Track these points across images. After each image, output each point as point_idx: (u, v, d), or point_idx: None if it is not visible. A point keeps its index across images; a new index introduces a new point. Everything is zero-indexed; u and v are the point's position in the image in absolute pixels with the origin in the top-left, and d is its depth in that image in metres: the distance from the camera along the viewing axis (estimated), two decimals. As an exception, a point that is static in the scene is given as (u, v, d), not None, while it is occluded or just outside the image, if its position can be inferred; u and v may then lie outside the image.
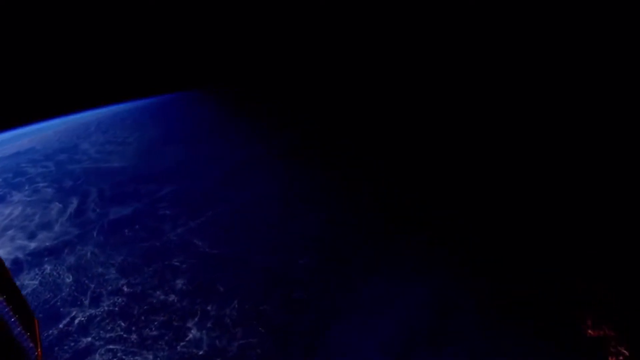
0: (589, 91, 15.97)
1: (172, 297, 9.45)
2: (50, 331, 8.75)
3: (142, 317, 8.95)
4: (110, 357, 8.07)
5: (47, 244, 11.82)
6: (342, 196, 13.15)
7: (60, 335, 8.65)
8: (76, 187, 15.08)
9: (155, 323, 8.80)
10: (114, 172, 15.93)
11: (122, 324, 8.84)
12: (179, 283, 9.86)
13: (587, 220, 9.97)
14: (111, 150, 18.39)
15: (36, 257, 11.18)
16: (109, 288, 9.93)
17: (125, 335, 8.53)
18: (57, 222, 12.88)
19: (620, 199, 10.34)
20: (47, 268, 10.74)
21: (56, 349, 8.42)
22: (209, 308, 9.03)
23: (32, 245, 11.77)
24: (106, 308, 9.33)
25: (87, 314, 9.20)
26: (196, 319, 8.78)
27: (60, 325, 8.93)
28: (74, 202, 13.90)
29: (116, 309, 9.33)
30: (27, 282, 10.29)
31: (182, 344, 8.25)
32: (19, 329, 3.66)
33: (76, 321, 9.01)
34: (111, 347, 8.30)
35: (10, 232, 12.42)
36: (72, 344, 8.43)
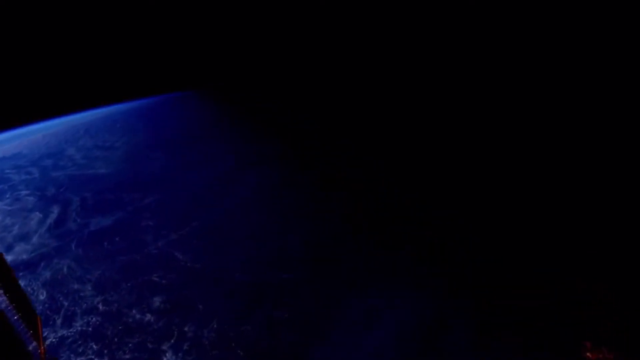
0: (589, 91, 15.68)
1: (148, 317, 8.98)
2: (18, 354, 8.29)
3: (116, 339, 8.49)
4: (79, 384, 7.63)
5: (24, 257, 11.37)
6: (334, 201, 12.71)
7: None
8: (59, 195, 14.61)
9: (130, 345, 8.34)
10: (98, 179, 15.46)
11: (95, 346, 8.38)
12: (157, 301, 9.39)
13: (587, 220, 9.82)
14: (97, 156, 17.92)
15: (11, 272, 10.71)
16: (84, 306, 9.47)
17: None
18: (36, 233, 12.42)
19: (620, 199, 10.19)
20: (21, 284, 10.27)
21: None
22: (186, 329, 8.57)
23: (8, 258, 11.29)
24: (79, 328, 8.87)
25: (59, 334, 8.74)
26: (172, 341, 8.31)
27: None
28: (55, 212, 13.43)
29: (89, 329, 8.87)
30: (-1, 299, 9.83)
31: (156, 368, 7.79)
32: (22, 326, 3.76)
33: (46, 343, 8.54)
34: (81, 372, 7.86)
35: (-14, 245, 11.99)
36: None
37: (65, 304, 9.53)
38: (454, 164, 13.71)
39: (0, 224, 13.03)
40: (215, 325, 8.61)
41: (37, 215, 13.35)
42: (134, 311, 9.15)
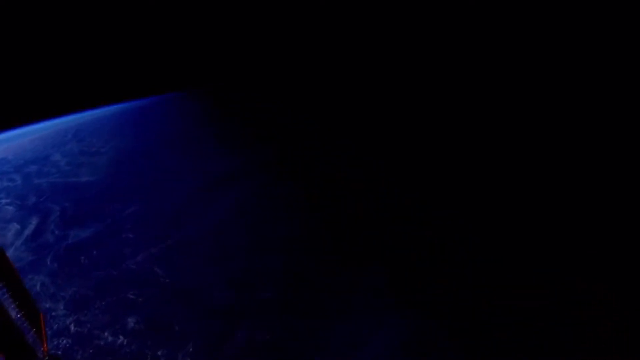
0: (589, 91, 15.52)
1: (121, 339, 8.52)
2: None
3: (85, 365, 8.04)
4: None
5: (-2, 272, 10.89)
6: (325, 210, 12.26)
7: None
8: (39, 204, 14.15)
9: (99, 371, 7.89)
10: (81, 188, 15.00)
11: (62, 372, 7.94)
12: (131, 321, 8.93)
13: (587, 220, 9.66)
14: (82, 162, 17.45)
15: (-19, 289, 10.26)
16: (55, 327, 9.01)
17: (62, 388, 7.63)
18: (12, 246, 11.96)
19: (620, 199, 10.04)
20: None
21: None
22: (159, 353, 8.11)
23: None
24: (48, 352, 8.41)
25: None
26: (144, 367, 7.87)
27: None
28: (34, 223, 12.97)
29: (59, 352, 8.41)
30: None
31: (125, 398, 7.35)
32: (25, 324, 3.74)
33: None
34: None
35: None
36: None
37: (35, 324, 9.07)
38: (453, 164, 13.48)
39: (-24, 236, 12.58)
40: (190, 349, 8.15)
41: (14, 227, 12.89)
42: (106, 333, 8.69)
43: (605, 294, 7.60)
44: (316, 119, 20.78)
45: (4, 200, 14.68)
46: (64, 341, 8.65)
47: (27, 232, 12.54)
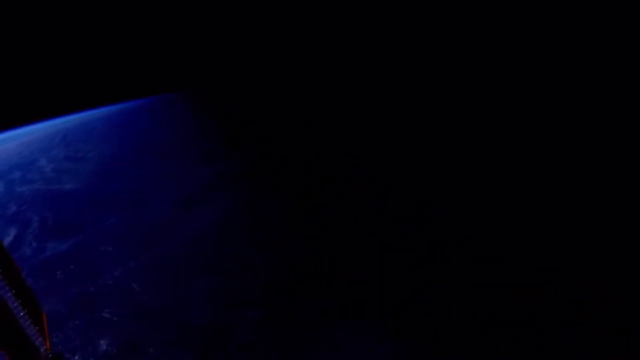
0: (589, 91, 15.24)
1: (91, 364, 8.11)
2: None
3: (52, 392, 7.61)
4: None
5: (-30, 287, 10.48)
6: (323, 211, 11.92)
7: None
8: (19, 214, 13.72)
9: (67, 399, 7.47)
10: (63, 196, 14.58)
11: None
12: (104, 343, 8.51)
13: (587, 220, 9.60)
14: (67, 169, 17.02)
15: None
16: (24, 349, 8.57)
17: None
18: (-12, 259, 11.52)
19: (620, 199, 9.96)
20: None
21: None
22: (131, 380, 7.71)
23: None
24: (15, 377, 7.99)
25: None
26: (114, 395, 7.46)
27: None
28: (12, 234, 12.56)
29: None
30: None
31: None
32: (27, 322, 3.72)
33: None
34: None
35: None
36: None
37: (4, 347, 8.66)
38: (453, 164, 13.32)
39: (-49, 248, 12.14)
40: (164, 375, 7.75)
41: (-8, 238, 12.46)
42: (76, 357, 8.27)
43: (605, 294, 7.58)
44: (316, 119, 20.47)
45: (-17, 210, 14.28)
46: (33, 365, 8.22)
47: (5, 244, 12.11)
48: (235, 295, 9.57)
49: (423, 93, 20.63)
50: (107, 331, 8.80)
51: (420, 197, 11.85)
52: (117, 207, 13.39)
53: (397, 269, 9.10)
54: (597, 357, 6.51)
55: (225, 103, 25.75)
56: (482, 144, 14.34)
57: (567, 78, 16.70)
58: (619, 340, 6.66)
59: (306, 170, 14.48)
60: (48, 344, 3.94)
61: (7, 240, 12.31)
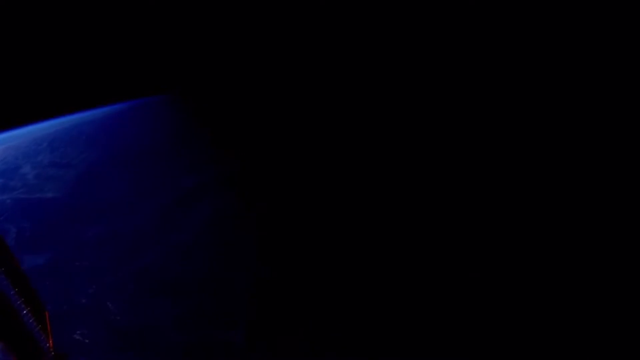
0: (589, 91, 15.09)
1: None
2: None
3: None
4: None
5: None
6: (323, 211, 11.74)
7: None
8: (-3, 224, 13.24)
9: None
10: (44, 205, 14.10)
11: None
12: (72, 369, 8.02)
13: (587, 220, 9.58)
14: (51, 176, 16.51)
15: None
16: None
17: None
18: (-40, 274, 11.05)
19: (620, 199, 9.94)
20: None
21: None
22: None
23: None
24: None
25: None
26: None
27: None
28: (-13, 247, 12.05)
29: None
30: None
31: None
32: (31, 321, 3.72)
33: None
34: None
35: None
36: None
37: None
38: (453, 164, 13.17)
39: None
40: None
41: (-34, 252, 11.98)
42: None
43: (604, 294, 7.54)
44: (312, 118, 19.99)
45: (-39, 220, 13.79)
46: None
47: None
48: (217, 316, 9.12)
49: (423, 93, 20.32)
50: (76, 355, 8.33)
51: (420, 196, 11.55)
52: (98, 217, 12.93)
53: (397, 269, 8.94)
54: (597, 357, 6.45)
55: (214, 105, 25.30)
56: (482, 144, 14.02)
57: (566, 79, 16.44)
58: (618, 340, 6.61)
59: (296, 178, 14.03)
60: (51, 342, 3.97)
61: (-18, 253, 11.82)
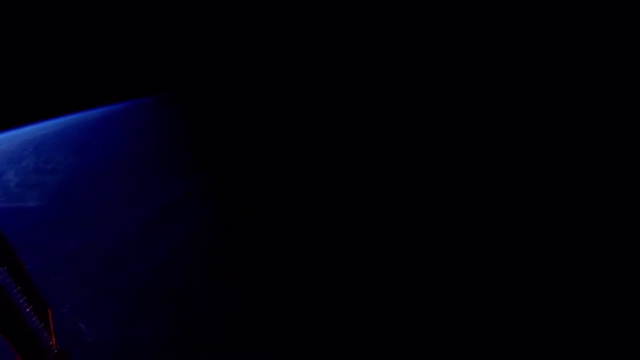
0: (589, 91, 14.79)
1: None
2: None
3: None
4: None
5: None
6: (322, 212, 11.45)
7: None
8: (-26, 236, 12.73)
9: None
10: (24, 215, 13.61)
11: None
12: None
13: (587, 220, 9.43)
14: (34, 183, 16.00)
15: None
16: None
17: None
18: None
19: (620, 199, 9.77)
20: None
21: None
22: None
23: None
24: None
25: None
26: None
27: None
28: (-39, 260, 11.55)
29: None
30: None
31: None
32: (33, 318, 3.89)
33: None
34: None
35: None
36: None
37: None
38: (453, 164, 12.87)
39: None
40: None
41: (-61, 265, 11.48)
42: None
43: (604, 294, 7.52)
44: (312, 118, 19.67)
45: (-62, 231, 13.29)
46: None
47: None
48: (197, 335, 8.62)
49: (423, 93, 20.07)
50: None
51: (420, 196, 11.36)
52: (79, 227, 12.47)
53: (397, 269, 8.89)
54: (597, 357, 6.42)
55: (207, 107, 24.85)
56: (482, 144, 13.61)
57: (566, 79, 16.21)
58: (618, 340, 6.56)
59: (296, 178, 13.69)
60: (54, 339, 4.03)
61: (-44, 267, 11.31)
